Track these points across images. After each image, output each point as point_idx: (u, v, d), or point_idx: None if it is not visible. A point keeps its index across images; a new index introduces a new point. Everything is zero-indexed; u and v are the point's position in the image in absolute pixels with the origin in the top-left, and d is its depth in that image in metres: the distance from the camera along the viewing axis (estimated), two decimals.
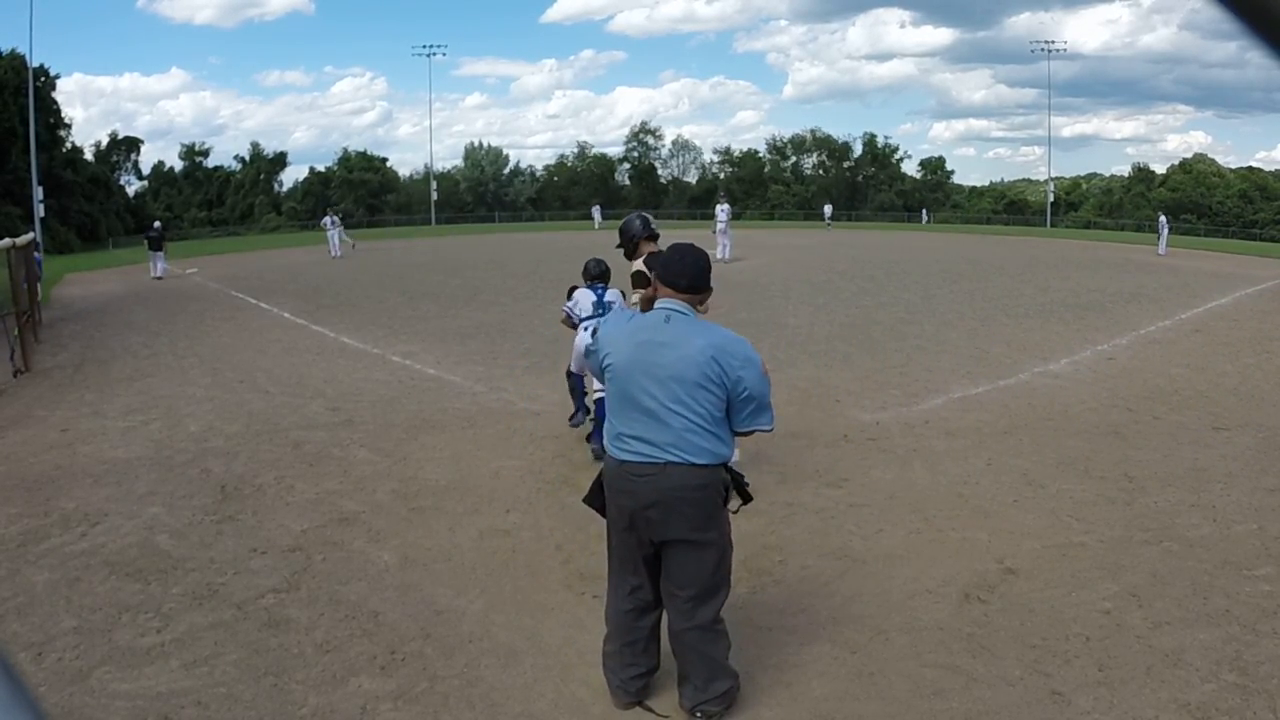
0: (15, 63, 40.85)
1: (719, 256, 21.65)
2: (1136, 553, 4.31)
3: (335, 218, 28.98)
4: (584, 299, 6.02)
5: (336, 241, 27.46)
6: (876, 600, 3.84)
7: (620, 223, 5.73)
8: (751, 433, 3.04)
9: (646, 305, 3.08)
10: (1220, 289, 17.36)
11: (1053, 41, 59.07)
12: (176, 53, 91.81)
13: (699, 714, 2.95)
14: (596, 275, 6.08)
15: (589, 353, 3.03)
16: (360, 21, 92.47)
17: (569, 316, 6.13)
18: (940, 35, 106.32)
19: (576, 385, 6.52)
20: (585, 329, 5.71)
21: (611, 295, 5.99)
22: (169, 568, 4.30)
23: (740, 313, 13.37)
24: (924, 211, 58.18)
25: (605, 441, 2.99)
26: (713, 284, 3.15)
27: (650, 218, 5.65)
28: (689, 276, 2.98)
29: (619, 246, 5.65)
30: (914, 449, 6.12)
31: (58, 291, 20.02)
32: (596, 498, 3.05)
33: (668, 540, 2.90)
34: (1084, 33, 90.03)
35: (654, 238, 5.53)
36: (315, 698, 3.14)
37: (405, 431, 6.78)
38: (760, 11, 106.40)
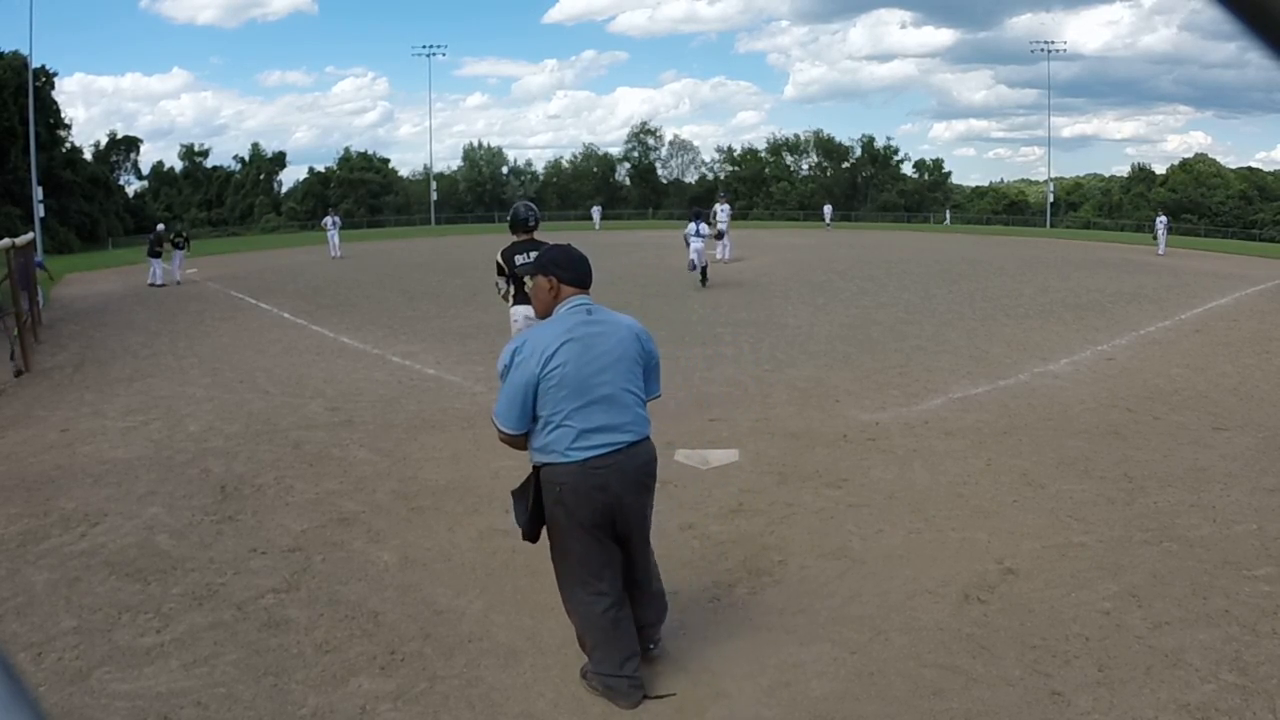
0: (15, 63, 40.84)
1: (719, 257, 21.69)
2: (1136, 553, 4.31)
3: (336, 218, 28.97)
4: None
5: (337, 241, 27.46)
6: (876, 600, 3.84)
7: (512, 212, 6.47)
8: (654, 397, 3.19)
9: (545, 305, 3.11)
10: (1220, 289, 17.35)
11: (1053, 42, 59.11)
12: (178, 53, 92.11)
13: (656, 646, 3.28)
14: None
15: (514, 367, 2.95)
16: (363, 22, 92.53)
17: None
18: (941, 36, 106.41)
19: None
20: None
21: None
22: (169, 568, 4.30)
23: (740, 313, 13.37)
24: (946, 212, 58.06)
25: (559, 452, 2.92)
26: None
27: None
28: (588, 274, 3.15)
29: (524, 230, 6.32)
30: (914, 449, 6.12)
31: (58, 291, 20.02)
32: (527, 517, 3.04)
33: (634, 528, 3.05)
34: (1085, 33, 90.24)
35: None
36: (315, 698, 3.14)
37: (405, 431, 6.78)
38: (762, 12, 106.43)
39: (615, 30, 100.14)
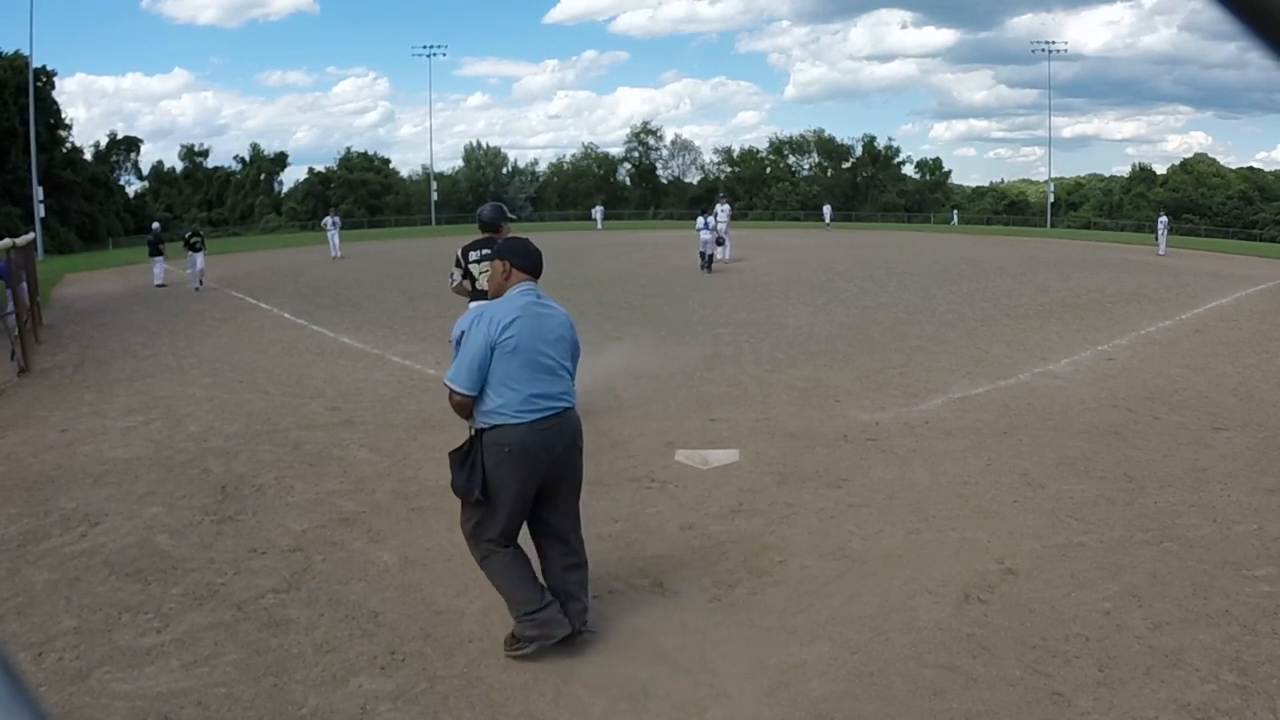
0: (16, 63, 40.85)
1: (721, 257, 21.71)
2: (1136, 553, 4.31)
3: (336, 218, 28.96)
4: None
5: (337, 241, 27.45)
6: (876, 600, 3.84)
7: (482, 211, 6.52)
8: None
9: (498, 286, 3.50)
10: (1220, 289, 17.36)
11: (1053, 42, 59.04)
12: (179, 53, 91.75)
13: (586, 627, 3.43)
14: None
15: (473, 330, 3.29)
16: (364, 22, 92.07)
17: None
18: (942, 36, 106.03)
19: None
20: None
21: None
22: (169, 568, 4.30)
23: (740, 313, 13.37)
24: (954, 213, 57.92)
25: (509, 414, 3.22)
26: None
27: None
28: (538, 265, 3.53)
29: (489, 230, 6.35)
30: (914, 449, 6.12)
31: (58, 291, 20.02)
32: (473, 481, 3.23)
33: (565, 480, 3.38)
34: (1085, 33, 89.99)
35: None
36: (315, 698, 3.14)
37: (405, 431, 6.78)
38: (763, 12, 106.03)
39: (616, 30, 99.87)
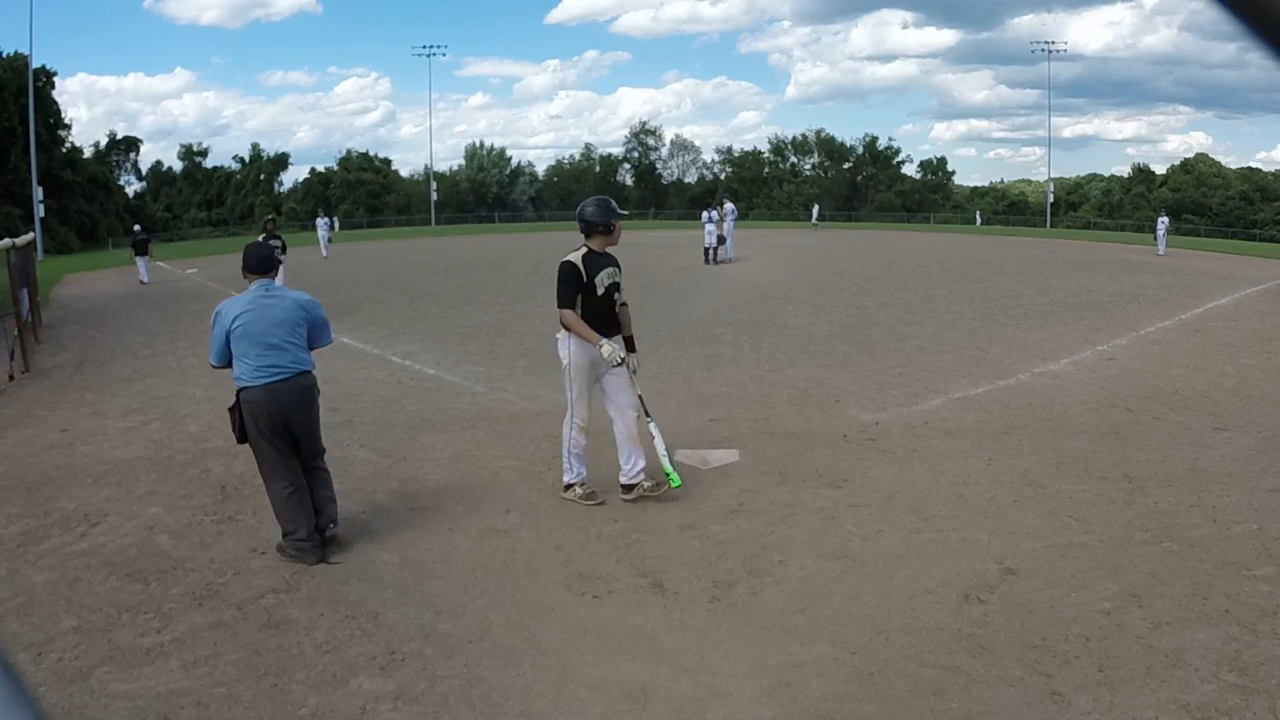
0: (16, 63, 40.84)
1: (725, 257, 21.79)
2: (1136, 553, 4.31)
3: (327, 219, 29.51)
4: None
5: (326, 242, 28.12)
6: (876, 600, 3.84)
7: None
8: (325, 345, 4.61)
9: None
10: (1220, 289, 17.36)
11: (1054, 42, 59.19)
12: (181, 53, 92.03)
13: (335, 525, 4.47)
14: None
15: (215, 324, 4.31)
16: (366, 22, 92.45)
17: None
18: (943, 36, 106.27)
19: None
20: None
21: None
22: (169, 568, 4.30)
23: (740, 313, 13.37)
24: (976, 214, 57.70)
25: (247, 379, 4.24)
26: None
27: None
28: (266, 263, 4.52)
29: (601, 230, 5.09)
30: (914, 449, 6.12)
31: (58, 291, 20.03)
32: (236, 428, 4.34)
33: (303, 423, 4.36)
34: (1086, 34, 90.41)
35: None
36: (315, 698, 3.14)
37: (405, 431, 6.78)
38: (764, 13, 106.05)
39: (618, 30, 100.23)
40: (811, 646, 3.45)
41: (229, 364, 4.32)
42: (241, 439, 4.35)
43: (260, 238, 12.70)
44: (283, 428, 4.27)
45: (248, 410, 4.26)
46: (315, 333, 4.51)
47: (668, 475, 5.06)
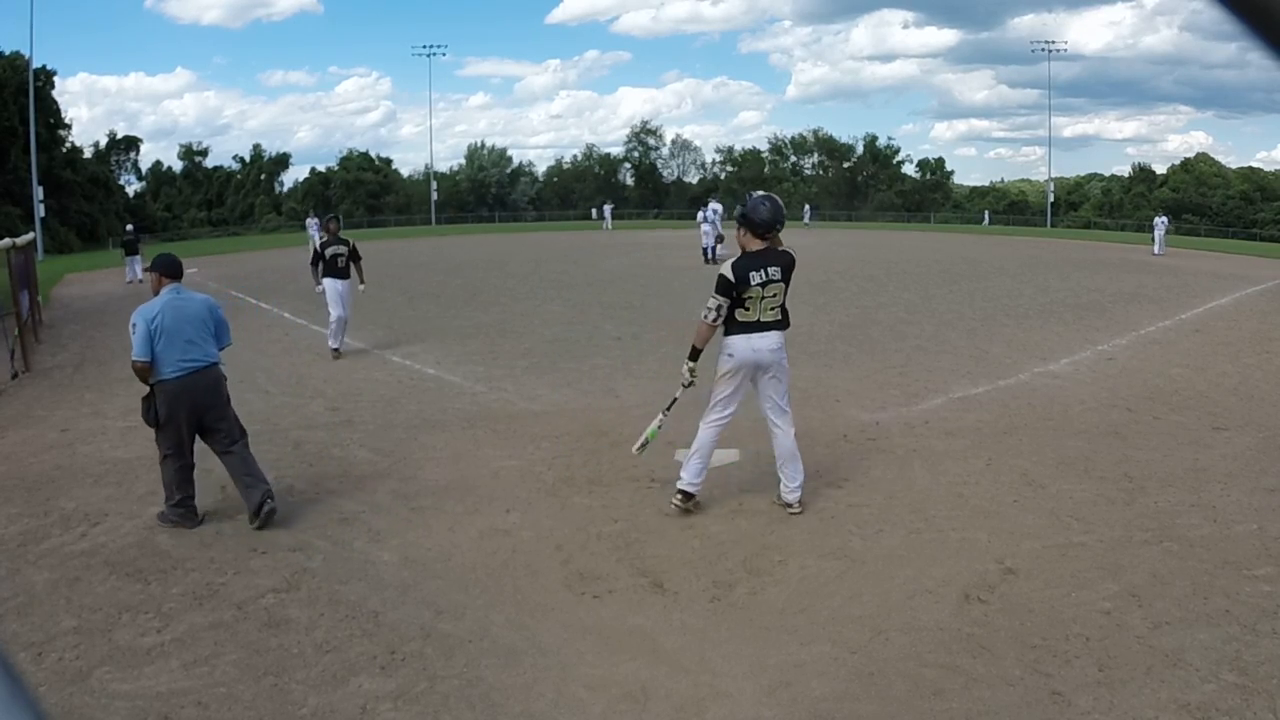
0: (16, 62, 40.84)
1: (724, 255, 21.76)
2: (1136, 553, 4.31)
3: (317, 219, 29.42)
4: None
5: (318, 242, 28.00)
6: (876, 600, 3.84)
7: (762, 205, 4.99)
8: (227, 346, 5.10)
9: (155, 289, 5.06)
10: (1220, 289, 17.35)
11: (1054, 42, 59.12)
12: (182, 53, 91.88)
13: (270, 504, 4.81)
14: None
15: (138, 323, 4.74)
16: (367, 22, 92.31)
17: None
18: (943, 36, 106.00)
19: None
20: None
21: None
22: (169, 568, 4.30)
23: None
24: (985, 214, 57.59)
25: (165, 372, 4.74)
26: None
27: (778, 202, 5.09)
28: (178, 270, 5.03)
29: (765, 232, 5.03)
30: (914, 449, 6.12)
31: (58, 291, 20.03)
32: (151, 415, 4.82)
33: (217, 408, 4.91)
34: (1086, 34, 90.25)
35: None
36: (315, 698, 3.14)
37: (405, 431, 6.78)
38: (765, 13, 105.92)
39: (618, 30, 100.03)
40: (811, 646, 3.45)
41: (152, 359, 4.74)
42: (154, 424, 4.84)
43: (321, 239, 11.56)
44: (197, 415, 4.84)
45: (166, 399, 4.77)
46: (220, 332, 5.06)
47: (645, 440, 5.21)
